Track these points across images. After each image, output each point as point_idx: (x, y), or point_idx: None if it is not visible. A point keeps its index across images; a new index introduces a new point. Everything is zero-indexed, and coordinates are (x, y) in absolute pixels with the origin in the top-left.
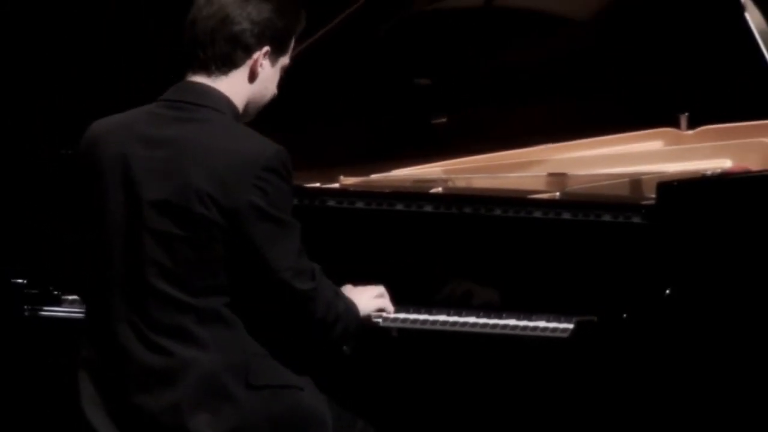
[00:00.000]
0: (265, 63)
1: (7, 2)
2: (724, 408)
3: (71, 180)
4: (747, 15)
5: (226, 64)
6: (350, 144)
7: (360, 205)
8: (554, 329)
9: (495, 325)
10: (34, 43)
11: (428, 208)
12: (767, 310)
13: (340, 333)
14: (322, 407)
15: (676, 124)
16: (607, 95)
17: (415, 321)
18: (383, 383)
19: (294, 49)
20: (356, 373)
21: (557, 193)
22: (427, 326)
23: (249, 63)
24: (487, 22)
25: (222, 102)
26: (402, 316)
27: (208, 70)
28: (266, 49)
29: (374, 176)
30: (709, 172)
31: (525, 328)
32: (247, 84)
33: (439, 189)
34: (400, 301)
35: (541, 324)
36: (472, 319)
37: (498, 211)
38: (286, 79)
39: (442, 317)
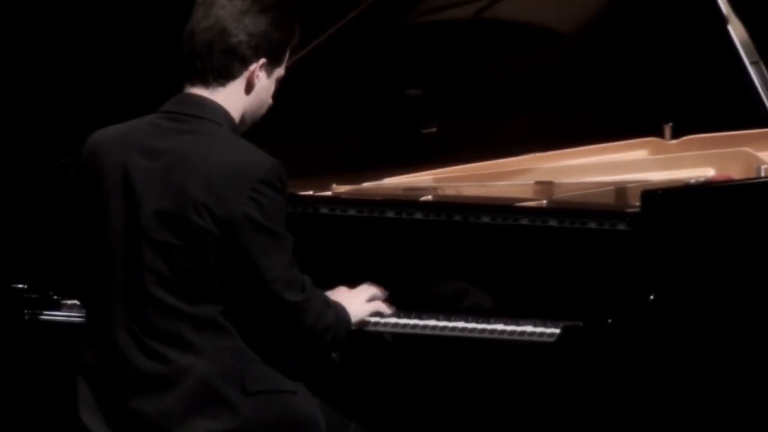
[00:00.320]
0: (261, 74)
1: (7, 2)
2: (707, 410)
3: (72, 187)
4: (729, 27)
5: (223, 76)
6: (343, 153)
7: (352, 212)
8: (541, 334)
9: (483, 330)
10: (34, 43)
11: (418, 216)
12: (749, 314)
13: (330, 342)
14: (315, 410)
15: (660, 134)
16: (593, 105)
17: (405, 326)
18: (374, 386)
19: (288, 60)
20: (347, 377)
21: (544, 201)
22: (417, 331)
23: (246, 74)
24: (475, 35)
25: (219, 114)
26: (393, 320)
27: (206, 82)
28: (262, 60)
29: (366, 184)
30: (692, 181)
31: (513, 332)
32: (244, 95)
33: (429, 197)
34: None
35: (528, 329)
36: (461, 324)
37: (486, 219)
38: (280, 90)
39: (431, 322)
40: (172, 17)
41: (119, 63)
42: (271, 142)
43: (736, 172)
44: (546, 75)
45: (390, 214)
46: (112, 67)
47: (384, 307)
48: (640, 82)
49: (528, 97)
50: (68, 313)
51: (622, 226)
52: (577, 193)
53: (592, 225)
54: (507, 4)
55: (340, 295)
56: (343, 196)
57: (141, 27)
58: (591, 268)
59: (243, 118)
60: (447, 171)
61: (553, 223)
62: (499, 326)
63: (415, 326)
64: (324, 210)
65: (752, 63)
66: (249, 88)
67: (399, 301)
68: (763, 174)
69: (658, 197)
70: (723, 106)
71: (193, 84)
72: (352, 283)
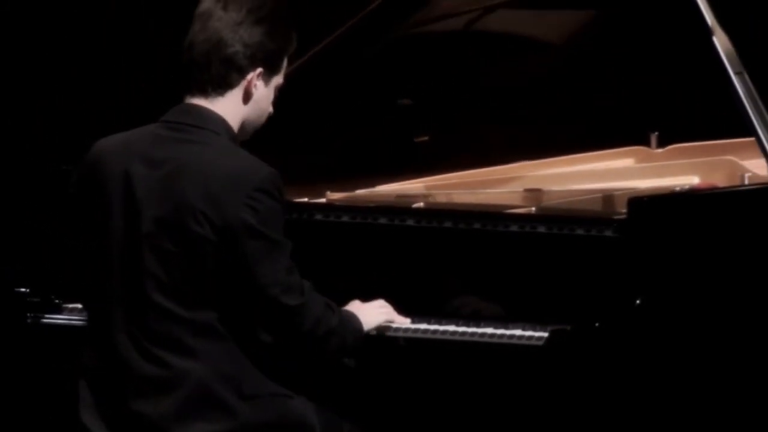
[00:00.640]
0: (259, 83)
1: (7, 2)
2: (693, 412)
3: (74, 194)
4: (714, 39)
5: (221, 86)
6: (337, 161)
7: (345, 218)
8: (530, 337)
9: (474, 333)
10: (34, 43)
11: (410, 222)
12: (734, 318)
13: (336, 347)
14: (310, 413)
15: (647, 143)
16: (581, 115)
17: (397, 329)
18: (364, 389)
19: (286, 69)
20: (339, 380)
21: (533, 208)
22: (409, 334)
23: (243, 84)
24: (467, 45)
25: (219, 124)
26: (386, 325)
27: (205, 92)
28: (259, 70)
29: (359, 191)
30: (677, 188)
31: (502, 336)
32: (243, 104)
33: (421, 204)
34: None
35: (517, 332)
36: (451, 328)
37: (477, 225)
38: (277, 98)
39: (422, 326)
40: (172, 17)
41: (119, 63)
42: (267, 151)
43: (720, 180)
44: (535, 85)
45: (383, 220)
46: (112, 67)
47: (396, 316)
48: (627, 93)
49: (518, 106)
50: (69, 317)
51: (609, 233)
52: (566, 201)
53: (580, 231)
54: (498, 15)
55: (353, 305)
56: (337, 203)
57: (141, 27)
58: (579, 273)
59: (243, 126)
60: (439, 179)
61: (542, 229)
62: (489, 330)
63: (406, 330)
64: (318, 216)
65: (736, 73)
66: (247, 97)
67: (390, 306)
68: (747, 182)
69: (645, 204)
70: (708, 115)
71: (194, 94)
72: (346, 288)
